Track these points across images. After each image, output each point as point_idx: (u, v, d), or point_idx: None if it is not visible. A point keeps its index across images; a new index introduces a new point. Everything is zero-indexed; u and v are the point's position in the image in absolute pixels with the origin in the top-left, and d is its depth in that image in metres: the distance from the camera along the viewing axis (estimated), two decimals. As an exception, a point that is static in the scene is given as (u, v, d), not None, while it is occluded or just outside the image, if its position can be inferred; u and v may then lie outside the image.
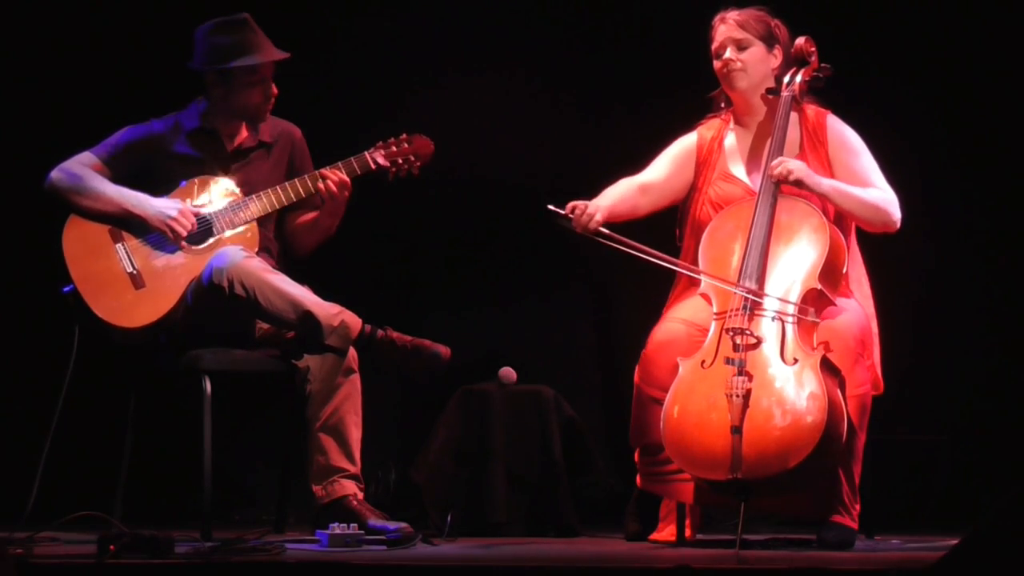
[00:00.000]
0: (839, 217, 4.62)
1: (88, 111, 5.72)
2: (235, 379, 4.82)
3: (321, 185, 4.82)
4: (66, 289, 4.74)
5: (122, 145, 4.87)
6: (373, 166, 4.87)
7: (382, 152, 4.89)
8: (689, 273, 4.60)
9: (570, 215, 4.60)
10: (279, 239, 4.97)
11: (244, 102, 4.88)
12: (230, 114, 4.91)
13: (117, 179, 4.83)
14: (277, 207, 4.84)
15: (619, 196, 4.76)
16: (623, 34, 6.16)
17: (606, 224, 4.60)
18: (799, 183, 4.53)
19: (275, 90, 4.90)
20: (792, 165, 4.53)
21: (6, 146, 5.85)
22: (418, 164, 4.93)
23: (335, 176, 4.82)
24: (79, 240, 4.77)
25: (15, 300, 5.81)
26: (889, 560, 4.09)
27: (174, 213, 4.75)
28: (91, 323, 4.70)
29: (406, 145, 4.92)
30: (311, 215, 4.95)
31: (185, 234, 4.75)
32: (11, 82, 5.91)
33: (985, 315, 6.02)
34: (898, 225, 4.63)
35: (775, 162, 4.54)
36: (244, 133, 4.96)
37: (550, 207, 4.59)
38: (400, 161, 4.90)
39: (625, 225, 4.72)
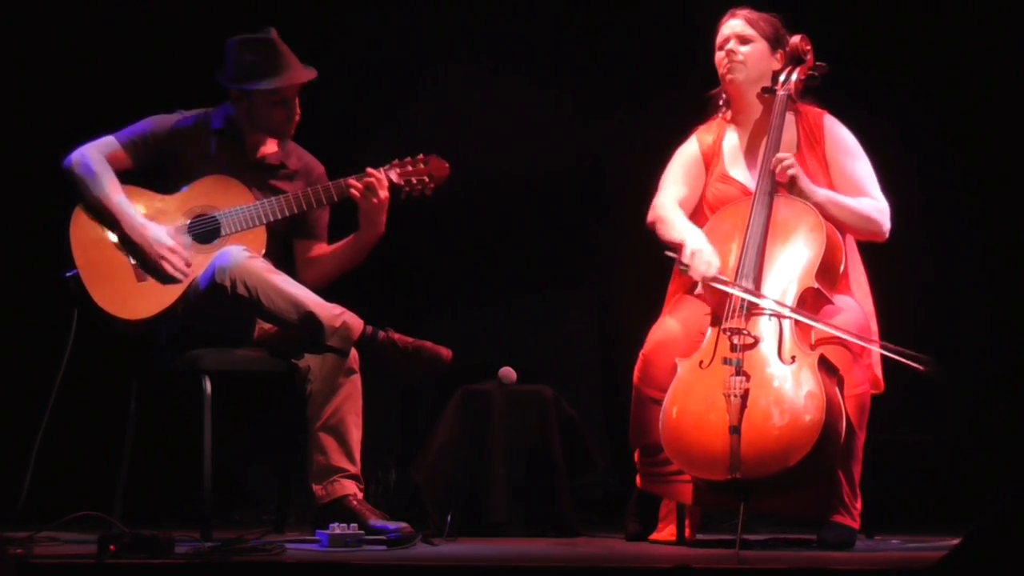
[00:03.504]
0: (838, 216, 4.63)
1: (112, 97, 5.73)
2: (235, 379, 4.82)
3: (353, 191, 4.79)
4: (68, 274, 4.74)
5: (147, 134, 4.87)
6: (386, 183, 4.85)
7: (397, 170, 4.87)
8: (812, 323, 4.43)
9: (688, 263, 4.53)
10: (286, 258, 4.96)
11: (266, 120, 4.88)
12: (254, 128, 4.91)
13: (136, 168, 4.83)
14: (287, 214, 4.82)
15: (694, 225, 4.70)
16: (626, 34, 6.15)
17: None
18: (793, 181, 4.53)
19: (299, 112, 4.89)
20: (791, 167, 4.54)
21: (24, 127, 5.84)
22: (432, 186, 4.91)
23: (373, 176, 4.78)
24: (87, 226, 4.77)
25: (16, 284, 5.80)
26: (889, 560, 4.10)
27: (165, 252, 4.71)
28: (90, 311, 4.70)
29: (422, 166, 4.90)
30: (330, 248, 4.93)
31: (175, 273, 4.72)
32: (35, 64, 5.91)
33: (985, 315, 6.02)
34: (887, 236, 4.65)
35: (785, 158, 4.54)
36: (271, 148, 4.96)
37: (668, 253, 4.56)
38: (414, 181, 4.88)
39: (627, 229, 4.71)
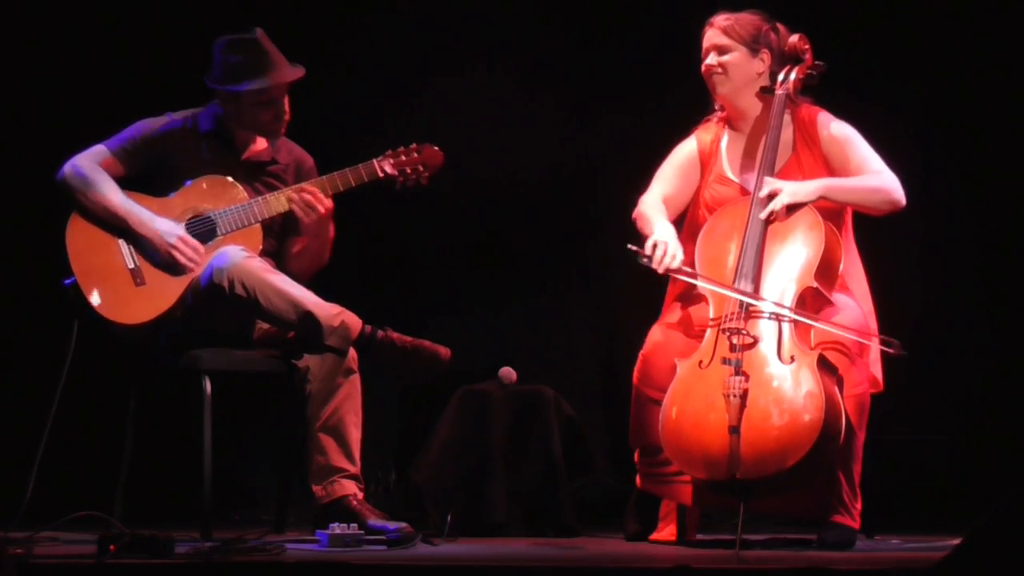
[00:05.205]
0: (835, 215, 4.61)
1: (99, 101, 5.72)
2: (235, 379, 4.82)
3: (294, 195, 4.78)
4: (67, 282, 4.74)
5: (136, 140, 4.85)
6: (381, 174, 4.84)
7: (391, 161, 4.86)
8: (745, 299, 4.44)
9: (650, 255, 4.53)
10: (281, 253, 4.96)
11: (255, 121, 4.87)
12: (243, 129, 4.90)
13: (129, 174, 4.82)
14: (282, 211, 4.82)
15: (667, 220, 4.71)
16: (623, 35, 6.16)
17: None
18: (793, 205, 4.51)
19: (288, 110, 4.88)
20: (779, 201, 4.50)
21: (15, 136, 5.84)
22: (426, 174, 4.89)
23: (311, 194, 4.75)
24: (82, 233, 4.76)
25: (16, 293, 5.80)
26: (889, 560, 4.09)
27: (176, 242, 4.73)
28: (90, 317, 4.70)
29: (415, 155, 4.89)
30: (301, 243, 4.93)
31: (188, 263, 4.72)
32: (22, 72, 5.90)
33: (985, 314, 6.01)
34: (904, 202, 4.58)
35: (765, 208, 4.51)
36: (261, 146, 4.94)
37: (631, 247, 4.55)
38: (408, 171, 4.87)
39: (627, 230, 4.71)
